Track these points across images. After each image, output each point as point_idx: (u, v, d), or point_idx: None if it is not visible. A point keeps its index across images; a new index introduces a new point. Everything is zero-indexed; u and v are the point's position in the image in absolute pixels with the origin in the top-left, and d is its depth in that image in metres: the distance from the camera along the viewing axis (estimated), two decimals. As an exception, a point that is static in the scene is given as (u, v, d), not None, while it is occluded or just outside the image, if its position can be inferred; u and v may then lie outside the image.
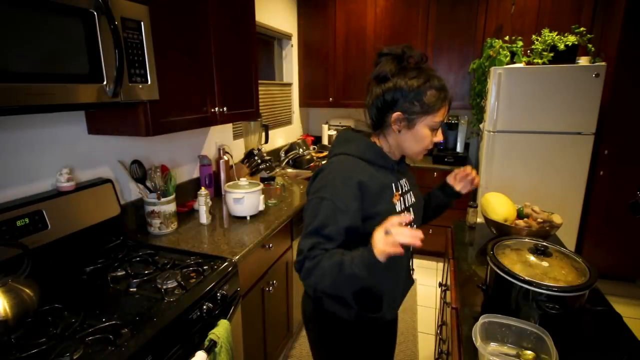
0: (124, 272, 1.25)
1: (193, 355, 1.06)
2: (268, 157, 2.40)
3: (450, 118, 3.22)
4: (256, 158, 2.33)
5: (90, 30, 1.00)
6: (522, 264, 1.03)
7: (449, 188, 1.23)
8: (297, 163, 3.08)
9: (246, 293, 1.51)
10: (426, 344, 2.24)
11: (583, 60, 2.44)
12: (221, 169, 2.14)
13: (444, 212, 1.28)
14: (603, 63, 2.37)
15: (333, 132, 3.67)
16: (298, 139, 3.34)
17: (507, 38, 2.74)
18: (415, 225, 1.08)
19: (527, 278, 0.94)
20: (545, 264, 1.02)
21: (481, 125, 2.90)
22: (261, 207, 1.83)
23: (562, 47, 2.42)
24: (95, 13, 1.00)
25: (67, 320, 0.99)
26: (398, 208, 1.00)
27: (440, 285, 1.65)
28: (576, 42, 2.42)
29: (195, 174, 2.10)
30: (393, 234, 0.75)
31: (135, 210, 1.65)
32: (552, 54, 2.45)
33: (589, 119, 2.43)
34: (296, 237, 2.02)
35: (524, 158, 2.60)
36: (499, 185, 2.63)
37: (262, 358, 1.76)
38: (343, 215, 0.90)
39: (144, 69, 1.19)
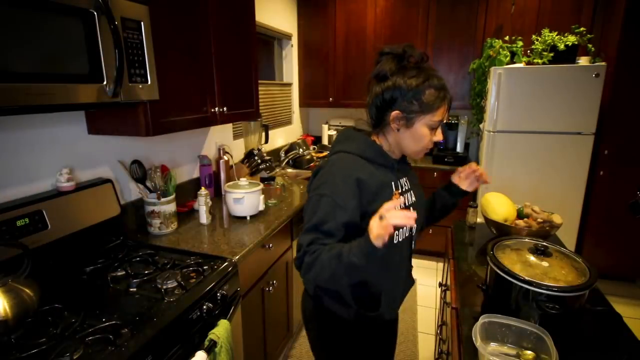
0: (124, 272, 1.25)
1: (193, 355, 1.06)
2: (268, 157, 2.40)
3: (450, 118, 3.22)
4: (256, 158, 2.33)
5: (90, 30, 1.00)
6: (522, 264, 1.03)
7: (454, 187, 1.20)
8: (297, 163, 3.08)
9: (246, 293, 1.51)
10: (426, 344, 2.24)
11: (583, 60, 2.44)
12: (221, 169, 2.14)
13: (451, 212, 1.25)
14: (603, 63, 2.37)
15: (333, 132, 3.67)
16: (298, 139, 3.34)
17: (507, 38, 2.74)
18: (416, 225, 1.08)
19: (527, 278, 0.94)
20: (545, 264, 1.02)
21: (481, 125, 2.90)
22: (261, 207, 1.83)
23: (562, 47, 2.42)
24: (95, 13, 1.00)
25: (67, 320, 0.99)
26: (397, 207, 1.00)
27: (440, 285, 1.65)
28: (576, 42, 2.42)
29: (195, 174, 2.10)
30: (387, 217, 0.75)
31: (135, 210, 1.65)
32: (552, 54, 2.45)
33: (589, 119, 2.43)
34: (296, 237, 2.02)
35: (524, 158, 2.60)
36: (499, 185, 2.62)
37: (262, 358, 1.76)
38: (342, 211, 0.91)
39: (144, 69, 1.19)
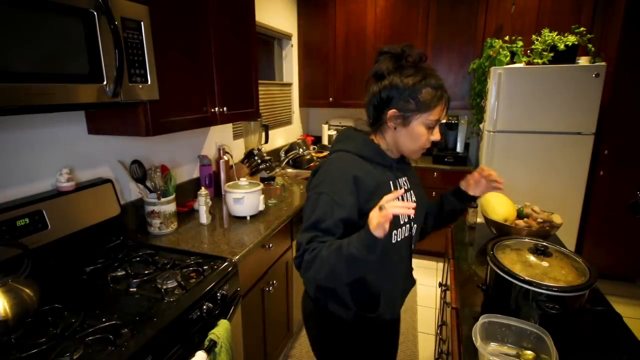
0: (124, 272, 1.25)
1: (193, 355, 1.06)
2: (268, 157, 2.40)
3: (450, 118, 3.22)
4: (256, 158, 2.33)
5: (90, 30, 1.00)
6: (522, 264, 1.03)
7: (463, 193, 1.17)
8: (297, 163, 3.08)
9: (246, 293, 1.51)
10: (426, 344, 2.24)
11: (583, 60, 2.44)
12: (221, 169, 2.14)
13: (460, 216, 1.23)
14: (603, 63, 2.37)
15: (333, 132, 3.67)
16: (298, 139, 3.34)
17: (507, 38, 2.74)
18: (416, 225, 1.08)
19: (527, 278, 0.94)
20: (545, 264, 1.02)
21: (481, 125, 2.90)
22: (261, 207, 1.83)
23: (562, 47, 2.42)
24: (95, 13, 1.00)
25: (67, 320, 0.99)
26: None
27: (440, 285, 1.65)
28: (576, 42, 2.42)
29: (195, 174, 2.10)
30: (386, 207, 0.76)
31: (135, 210, 1.65)
32: (552, 54, 2.45)
33: (589, 119, 2.43)
34: (296, 237, 2.02)
35: (524, 158, 2.60)
36: (499, 185, 2.62)
37: (262, 358, 1.76)
38: (340, 208, 0.91)
39: (144, 69, 1.19)
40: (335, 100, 3.48)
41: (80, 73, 0.99)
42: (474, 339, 0.84)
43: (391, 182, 1.01)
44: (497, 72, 2.50)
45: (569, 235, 2.60)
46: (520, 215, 1.50)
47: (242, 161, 2.36)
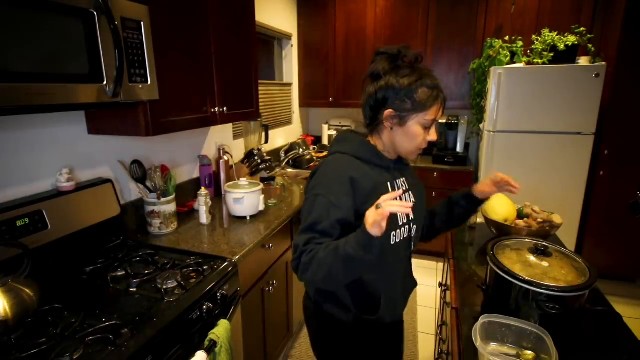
0: (124, 272, 1.25)
1: (193, 355, 1.06)
2: (268, 157, 2.40)
3: (450, 118, 3.22)
4: (256, 158, 2.33)
5: (90, 30, 1.00)
6: (522, 264, 1.03)
7: (473, 197, 1.16)
8: (297, 163, 3.08)
9: (246, 293, 1.51)
10: (426, 344, 2.24)
11: (583, 60, 2.44)
12: (221, 169, 2.14)
13: (471, 217, 1.23)
14: (603, 63, 2.37)
15: (333, 132, 3.67)
16: (298, 139, 3.34)
17: (507, 38, 2.74)
18: (415, 226, 1.07)
19: (527, 278, 0.94)
20: (545, 264, 1.02)
21: (481, 125, 2.90)
22: (261, 207, 1.83)
23: (562, 47, 2.42)
24: (95, 13, 1.00)
25: (67, 320, 0.99)
26: None
27: (440, 285, 1.65)
28: (576, 42, 2.42)
29: (195, 174, 2.10)
30: (383, 206, 0.76)
31: (135, 210, 1.65)
32: (552, 54, 2.45)
33: (589, 119, 2.43)
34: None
35: (524, 158, 2.60)
36: (499, 185, 2.62)
37: (262, 358, 1.76)
38: (336, 210, 0.91)
39: (144, 69, 1.19)
40: (335, 100, 3.48)
41: (80, 73, 0.99)
42: (474, 339, 0.84)
43: (389, 183, 1.01)
44: (497, 72, 2.50)
45: (569, 235, 2.60)
46: (520, 215, 1.50)
47: (242, 161, 2.36)
